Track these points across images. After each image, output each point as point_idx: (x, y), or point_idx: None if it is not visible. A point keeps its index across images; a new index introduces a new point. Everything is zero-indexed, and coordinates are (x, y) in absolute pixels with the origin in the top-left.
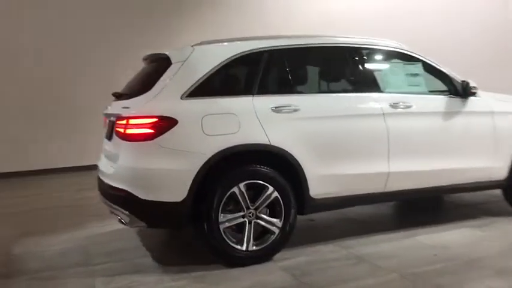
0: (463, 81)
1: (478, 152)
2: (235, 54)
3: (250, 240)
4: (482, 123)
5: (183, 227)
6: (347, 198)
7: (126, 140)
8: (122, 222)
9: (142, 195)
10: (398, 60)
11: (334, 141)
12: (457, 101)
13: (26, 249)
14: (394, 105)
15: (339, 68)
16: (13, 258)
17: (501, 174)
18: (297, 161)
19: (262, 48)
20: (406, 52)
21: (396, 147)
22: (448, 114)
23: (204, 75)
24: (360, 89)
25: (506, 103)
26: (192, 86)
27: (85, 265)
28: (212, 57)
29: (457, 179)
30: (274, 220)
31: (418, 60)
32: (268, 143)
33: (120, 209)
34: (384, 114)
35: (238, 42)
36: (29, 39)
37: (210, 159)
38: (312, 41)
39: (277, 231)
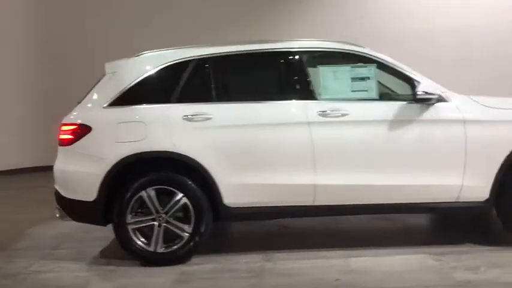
0: (414, 86)
1: (438, 168)
2: (162, 64)
3: (158, 242)
4: (447, 134)
5: (102, 223)
6: (269, 209)
7: (59, 144)
8: (57, 216)
9: (65, 194)
10: (346, 64)
11: (248, 150)
12: (414, 107)
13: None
14: (323, 114)
15: (265, 75)
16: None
17: (478, 195)
18: (206, 169)
19: (187, 57)
20: (362, 55)
21: (324, 158)
22: (398, 122)
23: (128, 85)
24: (284, 96)
25: (493, 110)
26: (115, 95)
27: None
28: (139, 68)
29: (407, 197)
30: (183, 225)
31: (377, 63)
32: (173, 150)
33: (55, 203)
34: (308, 122)
35: (168, 52)
36: None
37: (116, 164)
38: (240, 48)
39: (186, 236)
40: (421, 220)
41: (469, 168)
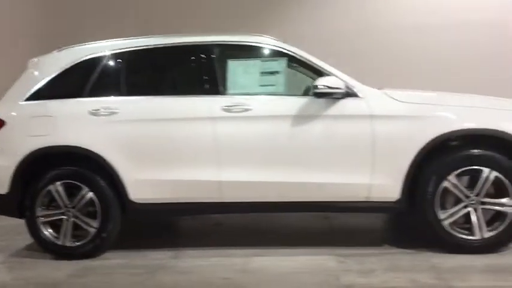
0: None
1: (345, 165)
2: (78, 59)
3: (66, 236)
4: (354, 130)
5: (16, 216)
6: (176, 206)
7: None
8: None
9: None
10: (257, 58)
11: (153, 145)
12: (320, 102)
13: None
14: (227, 109)
15: (174, 69)
16: None
17: (388, 194)
18: (110, 164)
19: (102, 52)
20: (275, 49)
21: (228, 154)
22: (302, 118)
23: (45, 80)
24: (192, 91)
25: (406, 105)
26: (32, 90)
27: None
28: (56, 63)
29: (314, 195)
30: (90, 221)
31: (289, 57)
32: (78, 145)
33: None
34: (212, 118)
35: (85, 47)
36: None
37: (25, 158)
38: (151, 42)
39: (93, 231)
40: (354, 219)
41: (377, 167)
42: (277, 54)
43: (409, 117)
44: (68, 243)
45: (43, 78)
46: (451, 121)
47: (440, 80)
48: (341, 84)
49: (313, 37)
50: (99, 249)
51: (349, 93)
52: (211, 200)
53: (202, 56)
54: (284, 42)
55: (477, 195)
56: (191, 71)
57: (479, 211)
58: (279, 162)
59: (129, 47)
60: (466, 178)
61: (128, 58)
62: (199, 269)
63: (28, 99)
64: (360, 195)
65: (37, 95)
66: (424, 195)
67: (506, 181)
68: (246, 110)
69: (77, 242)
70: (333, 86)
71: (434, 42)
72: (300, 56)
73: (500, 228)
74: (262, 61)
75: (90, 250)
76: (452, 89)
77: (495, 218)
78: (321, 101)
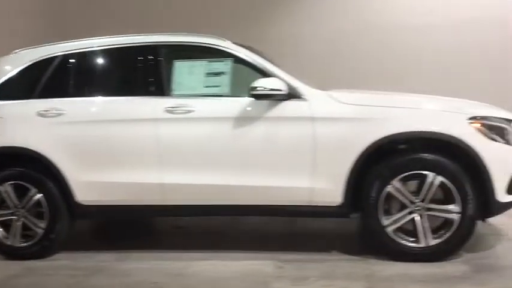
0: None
1: (287, 168)
2: (31, 61)
3: (16, 236)
4: (295, 132)
5: None
6: (120, 208)
7: None
8: None
9: None
10: (203, 59)
11: (97, 147)
12: (262, 104)
13: None
14: (170, 110)
15: (122, 70)
16: None
17: (330, 199)
18: (56, 166)
19: (53, 53)
20: (220, 49)
21: (170, 156)
22: (244, 120)
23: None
24: (138, 92)
25: (349, 107)
26: None
27: None
28: (11, 65)
29: (256, 199)
30: (38, 221)
31: (235, 58)
32: (25, 146)
33: None
34: (155, 119)
35: (39, 48)
36: None
37: None
38: (101, 43)
39: (41, 232)
40: (318, 223)
41: (318, 170)
42: (223, 54)
43: (351, 120)
44: (17, 244)
45: None
46: (393, 124)
47: (441, 79)
48: (281, 86)
49: (314, 36)
50: (48, 250)
51: (292, 95)
52: (154, 203)
53: (148, 56)
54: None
55: (422, 200)
56: (137, 71)
57: (425, 217)
58: (220, 165)
59: (77, 49)
60: (414, 183)
61: (76, 59)
62: (137, 272)
63: None
64: (302, 199)
65: None
66: (367, 200)
67: (452, 186)
68: (189, 111)
69: (25, 242)
70: (271, 87)
71: (434, 41)
72: (246, 56)
73: (446, 236)
74: (208, 62)
75: (38, 251)
76: (453, 89)
77: (444, 225)
78: (264, 102)
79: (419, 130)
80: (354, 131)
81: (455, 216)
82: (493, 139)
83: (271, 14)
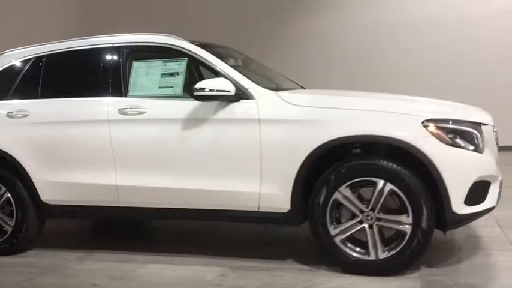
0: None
1: (235, 172)
2: (8, 62)
3: None
4: (241, 135)
5: None
6: (81, 208)
7: None
8: None
9: None
10: (160, 59)
11: (57, 147)
12: (211, 105)
13: None
14: (123, 111)
15: (84, 71)
16: None
17: (278, 205)
18: (22, 166)
19: (28, 55)
20: (176, 48)
21: (122, 158)
22: (193, 121)
23: None
24: (96, 93)
25: (298, 109)
26: None
27: None
28: None
29: (205, 203)
30: (8, 219)
31: (189, 57)
32: None
33: None
34: (109, 120)
35: (18, 50)
36: None
37: None
38: (66, 46)
39: (10, 229)
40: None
41: (265, 175)
42: (179, 54)
43: (296, 122)
44: None
45: None
46: (337, 127)
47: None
48: (228, 87)
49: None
50: (16, 248)
51: (241, 96)
52: (110, 204)
53: (108, 57)
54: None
55: (372, 210)
56: (97, 73)
57: (375, 228)
58: (168, 168)
59: (45, 51)
60: (369, 191)
61: (43, 62)
62: (85, 272)
63: None
64: (250, 205)
65: None
66: (314, 208)
67: (403, 195)
68: (141, 112)
69: None
70: (217, 88)
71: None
72: (199, 56)
73: (398, 249)
74: (163, 62)
75: (7, 248)
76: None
77: (396, 237)
78: (212, 104)
79: (361, 134)
80: (300, 134)
81: (407, 228)
82: (452, 144)
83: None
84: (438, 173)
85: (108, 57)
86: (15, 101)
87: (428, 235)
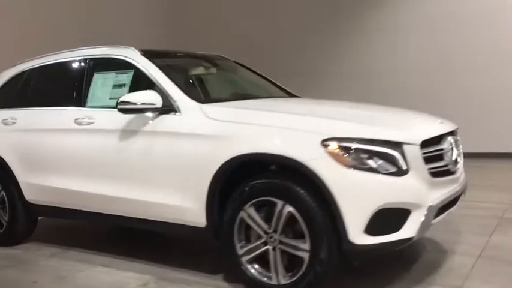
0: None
1: (159, 185)
2: (11, 76)
3: None
4: (165, 148)
5: None
6: (54, 209)
7: None
8: None
9: None
10: (114, 71)
11: (36, 153)
12: (142, 117)
13: None
14: (78, 121)
15: (58, 83)
16: None
17: (197, 219)
18: (9, 167)
19: (22, 69)
20: (126, 60)
21: (74, 165)
22: (126, 133)
23: None
24: (61, 103)
25: (214, 123)
26: None
27: None
28: (1, 79)
29: (137, 212)
30: (3, 214)
31: (136, 70)
32: None
33: None
34: (67, 130)
35: (18, 66)
36: None
37: None
38: (41, 61)
39: (5, 224)
40: None
41: (184, 189)
42: (128, 66)
43: (211, 137)
44: None
45: None
46: (242, 143)
47: None
48: (152, 100)
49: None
50: (10, 240)
51: (171, 109)
52: (75, 207)
53: (74, 70)
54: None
55: (275, 231)
56: (66, 84)
57: (278, 251)
58: (105, 177)
59: (32, 65)
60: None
61: (29, 75)
62: (42, 268)
63: None
64: (174, 217)
65: None
66: (222, 225)
67: (300, 219)
68: (90, 123)
69: None
70: (138, 101)
71: None
72: (141, 67)
73: (296, 277)
74: (115, 74)
75: (5, 239)
76: None
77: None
78: (145, 116)
79: (260, 151)
80: (212, 149)
81: (305, 255)
82: (353, 166)
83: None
84: (332, 197)
85: (74, 69)
86: (10, 110)
87: (326, 265)
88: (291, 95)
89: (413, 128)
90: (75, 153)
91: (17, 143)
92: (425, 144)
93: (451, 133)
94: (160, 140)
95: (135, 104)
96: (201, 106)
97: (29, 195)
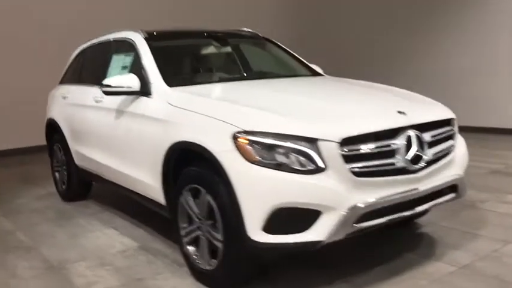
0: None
1: (134, 161)
2: (75, 54)
3: None
4: (136, 128)
5: None
6: (91, 175)
7: None
8: None
9: None
10: (125, 52)
11: (74, 124)
12: (129, 99)
13: None
14: (95, 99)
15: (90, 63)
16: None
17: (159, 197)
18: (65, 136)
19: (80, 50)
20: (130, 42)
21: (93, 138)
22: (117, 112)
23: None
24: (92, 81)
25: (169, 108)
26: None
27: None
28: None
29: (131, 186)
30: (64, 175)
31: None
32: (51, 117)
33: None
34: (90, 106)
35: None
36: None
37: None
38: (89, 43)
39: (66, 182)
40: None
41: (148, 168)
42: (133, 49)
43: (161, 122)
44: None
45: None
46: (182, 131)
47: None
48: (130, 83)
49: None
50: (68, 196)
51: (146, 92)
52: (96, 173)
53: (103, 51)
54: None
55: (204, 218)
56: (96, 64)
57: (204, 237)
58: (106, 149)
59: (84, 47)
60: None
61: (81, 55)
62: (69, 225)
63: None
64: (147, 193)
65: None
66: (169, 207)
67: (216, 209)
68: (100, 101)
69: None
70: (117, 84)
71: None
72: (137, 49)
73: (216, 265)
74: (124, 56)
75: (63, 196)
76: None
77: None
78: (131, 98)
79: (187, 140)
80: (161, 133)
81: (220, 245)
82: (258, 162)
83: None
84: (233, 191)
85: (103, 51)
86: (68, 85)
87: (238, 258)
88: (315, 73)
89: (342, 122)
90: (92, 127)
91: (68, 115)
92: (351, 140)
93: (420, 127)
94: (134, 121)
95: (114, 87)
96: (166, 90)
97: (76, 161)
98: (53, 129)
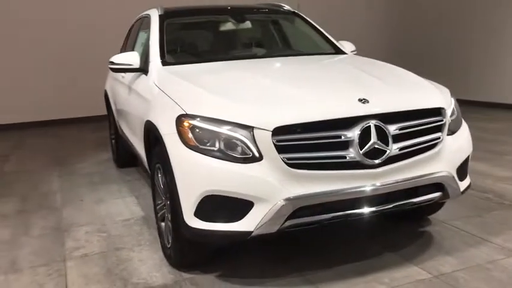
0: None
1: (137, 137)
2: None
3: None
4: (135, 103)
5: None
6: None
7: None
8: None
9: None
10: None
11: (116, 96)
12: (138, 75)
13: None
14: (122, 74)
15: (131, 36)
16: None
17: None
18: (111, 107)
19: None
20: (149, 21)
21: (122, 108)
22: (128, 88)
23: None
24: None
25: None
26: None
27: None
28: None
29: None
30: (113, 144)
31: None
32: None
33: None
34: (119, 81)
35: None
36: None
37: None
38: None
39: (116, 151)
40: None
41: (140, 144)
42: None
43: (145, 100)
44: None
45: None
46: (150, 112)
47: None
48: (130, 61)
49: None
50: (118, 163)
51: (146, 70)
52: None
53: (138, 27)
54: None
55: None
56: (132, 38)
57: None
58: (127, 121)
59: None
60: None
61: (133, 26)
62: (103, 189)
63: None
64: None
65: None
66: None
67: (167, 189)
68: (124, 77)
69: None
70: (119, 61)
71: None
72: (151, 27)
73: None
74: (145, 32)
75: (118, 162)
76: None
77: None
78: (138, 74)
79: (148, 119)
80: (142, 111)
81: (170, 226)
82: (193, 147)
83: None
84: (173, 174)
85: (138, 27)
86: None
87: (183, 240)
88: (338, 51)
89: (280, 109)
90: (120, 100)
91: (112, 88)
92: (286, 130)
93: (385, 117)
94: (134, 97)
95: (116, 64)
96: (158, 69)
97: (119, 130)
98: (107, 100)
